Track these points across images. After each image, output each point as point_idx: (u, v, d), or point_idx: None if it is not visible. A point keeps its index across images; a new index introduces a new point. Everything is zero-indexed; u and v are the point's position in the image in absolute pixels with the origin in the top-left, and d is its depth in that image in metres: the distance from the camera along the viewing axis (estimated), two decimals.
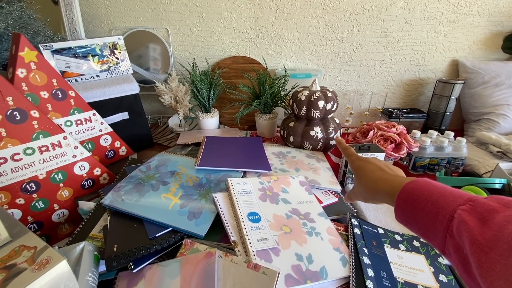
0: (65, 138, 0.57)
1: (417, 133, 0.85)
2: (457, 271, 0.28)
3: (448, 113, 1.05)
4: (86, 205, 0.59)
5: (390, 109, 1.10)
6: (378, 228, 0.57)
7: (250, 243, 0.45)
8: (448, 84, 1.01)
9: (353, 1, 0.99)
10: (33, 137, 0.53)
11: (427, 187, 0.32)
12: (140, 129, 0.90)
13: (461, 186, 0.66)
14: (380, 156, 0.72)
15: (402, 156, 0.79)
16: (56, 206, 0.59)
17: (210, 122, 1.01)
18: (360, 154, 0.70)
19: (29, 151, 0.52)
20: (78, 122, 0.68)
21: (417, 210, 0.31)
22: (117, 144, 0.78)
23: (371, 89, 1.14)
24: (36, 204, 0.56)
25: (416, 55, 1.08)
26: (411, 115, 1.07)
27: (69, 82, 0.84)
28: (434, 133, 0.84)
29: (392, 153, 0.78)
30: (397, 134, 0.80)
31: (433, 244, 0.30)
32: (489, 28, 1.04)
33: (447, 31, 1.04)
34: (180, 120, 1.03)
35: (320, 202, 0.63)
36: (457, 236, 0.27)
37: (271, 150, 0.82)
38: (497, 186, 0.65)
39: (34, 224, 0.57)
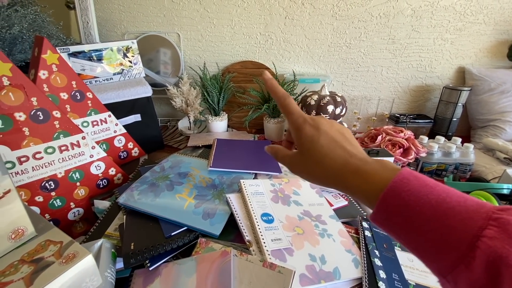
0: (83, 138, 0.58)
1: (425, 138, 0.86)
2: None
3: (455, 119, 1.06)
4: (102, 204, 0.60)
5: (397, 115, 1.11)
6: None
7: (264, 243, 0.46)
8: (455, 90, 1.02)
9: (361, 8, 1.01)
10: (54, 136, 0.54)
11: (424, 191, 0.23)
12: (152, 131, 0.92)
13: (471, 191, 0.66)
14: (389, 160, 0.73)
15: (410, 161, 0.79)
16: (72, 205, 0.60)
17: (219, 125, 1.03)
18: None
19: (50, 150, 0.54)
20: (94, 123, 0.69)
21: (412, 225, 0.23)
22: (130, 145, 0.80)
23: (378, 95, 1.16)
24: (54, 202, 0.57)
25: (423, 62, 1.09)
26: (418, 121, 1.08)
27: None
28: (442, 139, 0.85)
29: (401, 157, 0.79)
30: (405, 139, 0.81)
31: (430, 268, 0.24)
32: (495, 37, 1.05)
33: (453, 39, 1.05)
34: (190, 123, 1.05)
35: (331, 205, 0.63)
36: (484, 272, 0.20)
37: None
38: (505, 191, 0.66)
39: (51, 222, 0.58)
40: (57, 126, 0.54)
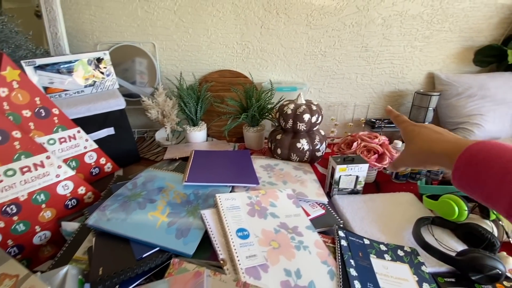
0: (48, 157, 0.56)
1: (399, 143, 0.89)
2: None
3: (427, 123, 1.10)
4: (70, 226, 0.57)
5: (372, 120, 1.14)
6: (364, 239, 0.59)
7: (238, 260, 0.46)
8: (426, 96, 1.06)
9: (334, 18, 1.04)
10: (15, 158, 0.51)
11: (496, 148, 0.30)
12: (126, 144, 0.89)
13: (441, 194, 0.69)
14: (364, 167, 0.75)
15: (385, 166, 0.81)
16: (37, 228, 0.57)
17: (198, 135, 1.01)
18: (344, 166, 0.73)
19: (10, 173, 0.51)
20: (62, 140, 0.66)
21: (481, 172, 0.30)
22: (103, 160, 0.77)
23: (354, 101, 1.19)
24: (17, 227, 0.54)
25: (395, 69, 1.13)
26: (393, 125, 1.12)
27: (52, 98, 0.83)
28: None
29: (376, 163, 0.80)
30: (380, 145, 0.83)
31: (497, 209, 0.29)
32: (460, 43, 1.11)
33: (422, 46, 1.10)
34: (168, 134, 1.02)
35: (308, 214, 0.64)
36: None
37: (259, 163, 0.83)
38: None
39: (15, 248, 0.54)
40: (18, 147, 0.51)
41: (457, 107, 1.07)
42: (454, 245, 0.60)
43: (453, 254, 0.54)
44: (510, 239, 0.61)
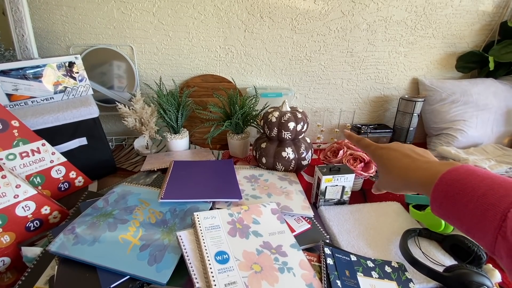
0: (3, 177, 0.50)
1: None
2: (509, 276, 0.25)
3: (412, 128, 1.10)
4: (31, 252, 0.52)
5: (358, 125, 1.13)
6: (351, 255, 0.56)
7: None
8: (410, 101, 1.06)
9: (319, 22, 1.02)
10: None
11: (470, 177, 0.28)
12: (101, 155, 0.83)
13: (427, 205, 0.68)
14: (350, 177, 0.73)
15: (371, 175, 0.80)
16: None
17: (180, 144, 0.96)
18: (331, 176, 0.71)
19: None
20: (24, 154, 0.60)
21: (459, 205, 0.28)
22: (73, 174, 0.71)
23: (340, 106, 1.17)
24: None
25: (380, 74, 1.13)
26: (379, 130, 1.11)
27: (17, 106, 0.76)
28: None
29: (362, 172, 0.79)
30: (366, 153, 0.82)
31: (480, 244, 0.27)
32: (443, 49, 1.12)
33: (406, 52, 1.10)
34: (147, 142, 0.97)
35: (293, 230, 0.61)
36: None
37: (243, 174, 0.80)
38: None
39: None
40: None
41: (441, 112, 1.07)
42: (441, 258, 0.58)
43: (441, 268, 0.53)
44: None
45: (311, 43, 1.05)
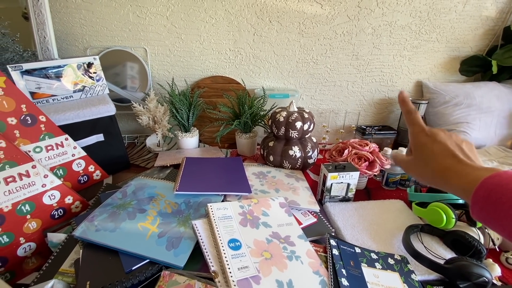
0: (33, 167, 0.54)
1: (389, 150, 0.90)
2: None
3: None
4: (56, 237, 0.55)
5: (363, 127, 1.15)
6: (355, 248, 0.59)
7: (230, 272, 0.45)
8: (414, 104, 1.09)
9: (326, 27, 1.05)
10: None
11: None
12: (116, 151, 0.87)
13: (430, 202, 0.70)
14: (355, 174, 0.75)
15: (376, 173, 0.83)
16: (22, 240, 0.55)
17: (190, 142, 1.00)
18: (336, 174, 0.74)
19: None
20: (49, 147, 0.65)
21: (501, 210, 0.28)
22: (91, 168, 0.75)
23: (345, 108, 1.20)
24: (0, 238, 0.52)
25: (385, 77, 1.16)
26: (383, 132, 1.14)
27: (39, 103, 0.81)
28: (404, 150, 0.89)
29: (366, 170, 0.81)
30: (370, 152, 0.84)
31: None
32: (447, 53, 1.15)
33: (411, 55, 1.13)
34: (159, 140, 1.01)
35: (300, 223, 0.64)
36: None
37: (251, 171, 0.83)
38: (461, 201, 0.70)
39: None
40: (2, 156, 0.50)
41: (444, 115, 1.10)
42: (442, 253, 0.61)
43: (442, 261, 0.55)
44: (496, 246, 0.63)
45: (317, 46, 1.08)
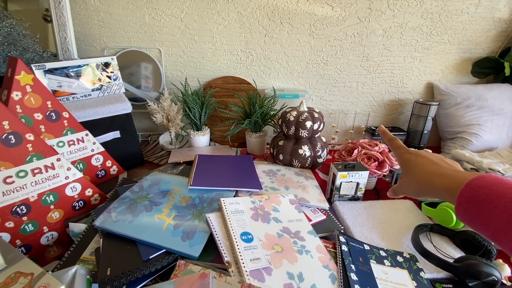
0: (58, 160, 0.57)
1: None
2: None
3: (426, 131, 1.12)
4: (77, 227, 0.58)
5: (372, 128, 1.16)
6: (364, 245, 0.60)
7: (243, 263, 0.47)
8: (425, 105, 1.09)
9: (336, 28, 1.06)
10: (27, 160, 0.53)
11: (497, 185, 0.29)
12: (131, 148, 0.91)
13: (439, 202, 0.70)
14: (364, 174, 0.76)
15: (385, 173, 0.83)
16: (45, 229, 0.58)
17: (201, 140, 1.03)
18: (345, 173, 0.75)
19: (21, 174, 0.52)
20: (71, 142, 0.68)
21: (485, 211, 0.29)
22: (109, 163, 0.79)
23: (355, 109, 1.21)
24: (26, 227, 0.55)
25: (395, 78, 1.16)
26: (393, 133, 1.13)
27: (60, 101, 0.85)
28: None
29: (376, 170, 0.82)
30: (380, 153, 0.85)
31: (505, 248, 0.28)
32: (459, 55, 1.14)
33: (422, 57, 1.13)
34: (172, 138, 1.04)
35: (309, 220, 0.65)
36: None
37: (261, 168, 0.85)
38: None
39: (22, 248, 0.56)
40: (30, 149, 0.53)
41: (455, 116, 1.09)
42: (452, 252, 0.61)
43: (451, 260, 0.56)
44: None
45: (328, 47, 1.10)
